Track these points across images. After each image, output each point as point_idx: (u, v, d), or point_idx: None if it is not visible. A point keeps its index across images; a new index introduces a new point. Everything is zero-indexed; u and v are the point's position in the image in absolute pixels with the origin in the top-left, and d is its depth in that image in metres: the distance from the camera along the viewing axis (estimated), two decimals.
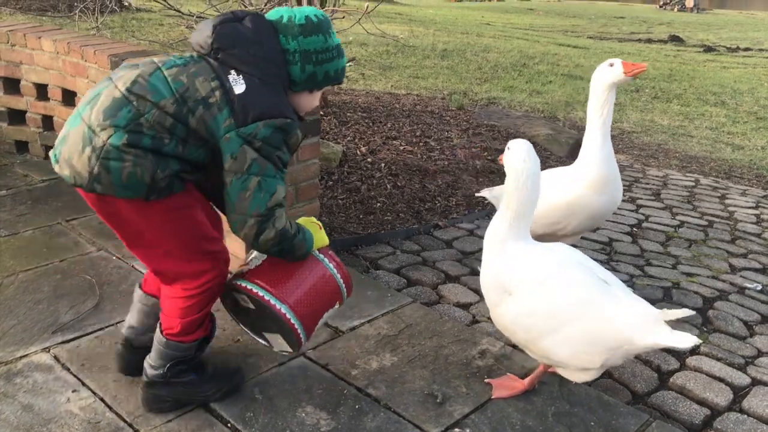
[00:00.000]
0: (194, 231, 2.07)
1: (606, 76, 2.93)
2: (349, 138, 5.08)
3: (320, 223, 2.30)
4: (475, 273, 3.39)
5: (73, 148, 1.91)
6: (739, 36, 20.51)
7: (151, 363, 2.21)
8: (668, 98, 8.90)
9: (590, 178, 2.99)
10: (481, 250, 3.65)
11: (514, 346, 2.74)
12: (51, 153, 2.01)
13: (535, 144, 5.71)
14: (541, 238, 3.09)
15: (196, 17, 5.57)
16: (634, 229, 4.23)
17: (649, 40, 17.81)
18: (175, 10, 5.70)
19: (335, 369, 2.47)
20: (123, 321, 2.41)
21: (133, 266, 3.09)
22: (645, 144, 6.46)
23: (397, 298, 3.01)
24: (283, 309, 2.09)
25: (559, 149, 5.67)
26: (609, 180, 3.01)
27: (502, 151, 5.40)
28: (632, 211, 4.55)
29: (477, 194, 3.56)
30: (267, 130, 1.92)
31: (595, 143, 2.98)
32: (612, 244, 3.94)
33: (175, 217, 2.02)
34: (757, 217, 4.62)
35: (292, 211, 3.14)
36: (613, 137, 6.60)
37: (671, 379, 2.66)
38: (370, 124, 5.51)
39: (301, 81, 2.05)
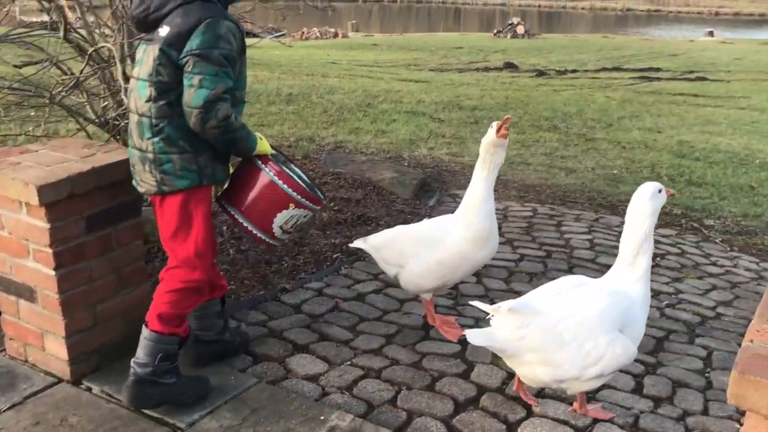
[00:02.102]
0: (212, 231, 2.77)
1: (487, 137, 3.14)
2: None
3: (261, 135, 2.77)
4: (324, 338, 3.31)
5: None
6: (566, 59, 22.13)
7: (140, 362, 2.65)
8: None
9: (473, 236, 3.17)
10: (331, 309, 3.58)
11: (365, 417, 2.68)
12: None
13: (380, 188, 5.77)
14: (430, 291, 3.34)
15: None
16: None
17: (486, 69, 18.81)
18: None
19: None
20: None
21: None
22: None
23: (241, 380, 2.87)
24: (238, 216, 2.74)
25: (404, 192, 5.75)
26: (491, 235, 3.21)
27: (348, 200, 5.43)
28: None
29: (351, 245, 3.57)
30: (197, 38, 2.48)
31: (479, 197, 3.15)
32: (457, 287, 4.00)
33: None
34: (590, 242, 4.89)
35: (117, 300, 2.93)
36: (455, 172, 6.82)
37: (519, 429, 2.69)
38: None
39: None
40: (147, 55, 2.58)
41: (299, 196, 2.72)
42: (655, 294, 4.07)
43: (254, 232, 2.75)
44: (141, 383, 2.64)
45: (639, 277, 2.68)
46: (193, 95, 2.46)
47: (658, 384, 3.04)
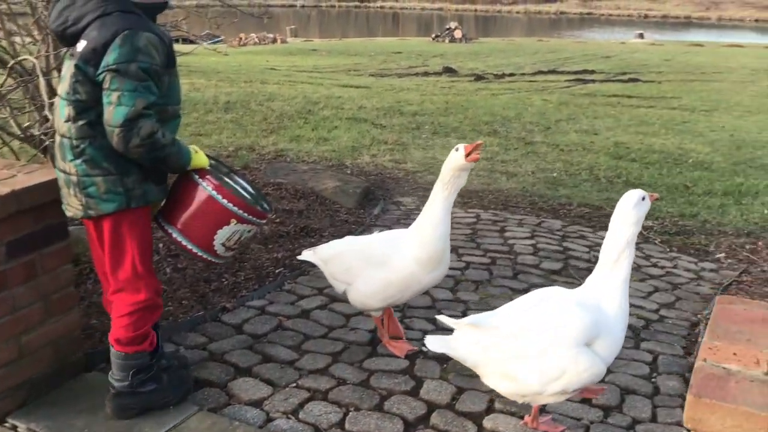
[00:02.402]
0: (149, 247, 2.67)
1: (452, 161, 3.01)
2: None
3: (197, 147, 2.65)
4: (268, 359, 3.19)
5: None
6: (504, 62, 22.44)
7: (115, 377, 2.68)
8: (446, 132, 9.36)
9: (426, 256, 3.09)
10: (275, 328, 3.47)
11: None
12: None
13: (323, 198, 5.67)
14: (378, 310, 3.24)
15: None
16: None
17: (426, 73, 18.88)
18: None
19: None
20: None
21: None
22: (428, 183, 6.67)
23: (181, 408, 2.73)
24: (176, 235, 2.64)
25: (347, 201, 5.66)
26: (443, 257, 3.12)
27: (290, 212, 5.30)
28: None
29: (299, 257, 3.44)
30: (113, 52, 2.36)
31: (436, 218, 3.06)
32: None
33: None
34: (534, 247, 4.90)
35: (46, 328, 2.75)
36: (398, 179, 6.77)
37: None
38: None
39: None
40: (67, 71, 2.47)
41: (241, 211, 2.61)
42: None
43: (194, 251, 2.65)
44: (120, 396, 2.68)
45: (617, 286, 2.59)
46: (112, 113, 2.34)
47: (607, 392, 3.03)
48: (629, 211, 2.61)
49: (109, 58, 2.35)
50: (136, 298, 2.60)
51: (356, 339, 3.42)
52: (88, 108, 2.43)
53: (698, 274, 4.61)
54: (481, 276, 4.34)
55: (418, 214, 5.53)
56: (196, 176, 2.60)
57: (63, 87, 2.49)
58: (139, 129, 2.34)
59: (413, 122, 9.97)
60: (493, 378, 2.54)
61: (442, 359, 3.24)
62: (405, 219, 5.44)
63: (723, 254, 5.03)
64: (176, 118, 2.64)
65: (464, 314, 3.77)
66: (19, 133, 4.35)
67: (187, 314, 3.59)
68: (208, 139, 8.11)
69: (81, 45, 2.41)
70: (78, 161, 2.45)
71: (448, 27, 32.67)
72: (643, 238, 5.30)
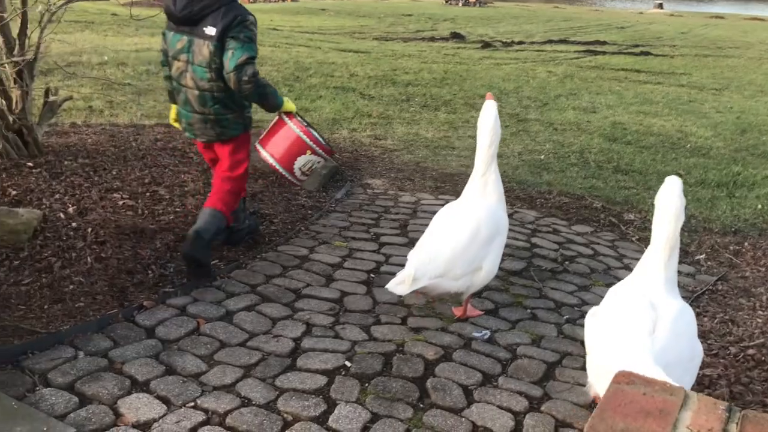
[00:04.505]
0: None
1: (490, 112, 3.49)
2: (57, 196, 4.37)
3: (288, 98, 3.82)
4: (171, 371, 2.90)
5: None
6: (514, 29, 21.80)
7: (200, 227, 3.65)
8: (436, 106, 8.96)
9: (503, 207, 3.61)
10: (190, 333, 3.17)
11: None
12: None
13: (283, 178, 5.32)
14: None
15: None
16: (371, 275, 3.96)
17: (432, 38, 18.34)
18: None
19: None
20: None
21: None
22: (404, 164, 6.32)
23: (56, 430, 2.44)
24: (268, 157, 3.82)
25: (311, 182, 5.27)
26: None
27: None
28: (374, 251, 4.29)
29: (392, 290, 3.28)
30: (233, 29, 3.50)
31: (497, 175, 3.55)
32: (343, 300, 3.63)
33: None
34: None
35: None
36: (373, 158, 6.41)
37: None
38: (91, 173, 4.81)
39: None
40: (198, 47, 3.57)
41: (315, 145, 3.78)
42: (557, 307, 3.77)
43: (280, 170, 3.82)
44: (198, 239, 3.62)
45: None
46: (228, 63, 3.48)
47: (539, 425, 2.72)
48: (676, 200, 2.62)
49: (231, 33, 3.50)
50: (238, 187, 3.89)
51: (276, 349, 3.11)
52: (222, 69, 3.54)
53: None
54: None
55: (385, 199, 5.22)
56: (286, 117, 3.79)
57: (199, 58, 3.57)
58: (246, 71, 3.46)
59: (404, 93, 9.57)
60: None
61: (365, 378, 2.94)
62: (368, 205, 5.10)
63: (704, 255, 4.66)
64: None
65: (403, 322, 3.46)
66: None
67: (99, 311, 3.30)
68: None
69: (210, 30, 3.51)
70: (216, 106, 3.66)
71: None
72: (621, 235, 4.94)
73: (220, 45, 3.50)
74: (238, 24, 3.50)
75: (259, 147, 3.86)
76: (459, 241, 3.29)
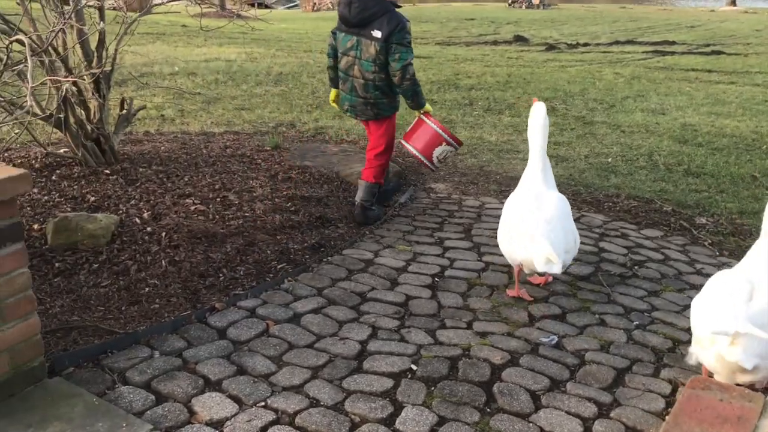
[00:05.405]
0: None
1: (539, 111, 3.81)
2: (133, 202, 4.55)
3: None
4: (242, 371, 2.98)
5: None
6: (579, 31, 21.40)
7: (363, 198, 4.70)
8: (500, 110, 8.89)
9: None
10: (260, 334, 3.23)
11: None
12: None
13: (347, 184, 5.40)
14: None
15: None
16: (436, 279, 3.97)
17: (495, 42, 18.18)
18: None
19: None
20: None
21: None
22: (468, 167, 6.31)
23: (134, 427, 2.55)
24: (412, 149, 4.81)
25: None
26: None
27: (307, 199, 5.04)
28: (438, 255, 4.29)
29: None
30: (397, 34, 4.39)
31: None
32: (408, 304, 3.65)
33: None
34: None
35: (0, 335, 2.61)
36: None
37: None
38: (164, 180, 4.99)
39: None
40: (365, 46, 4.46)
41: (449, 137, 4.71)
42: (626, 312, 3.69)
43: (421, 158, 4.77)
44: (365, 209, 4.69)
45: None
46: (396, 63, 4.42)
47: (609, 431, 2.68)
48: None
49: (395, 37, 4.37)
50: (384, 160, 4.80)
51: (343, 351, 3.16)
52: (384, 65, 4.47)
53: None
54: (498, 280, 3.99)
55: (449, 203, 5.21)
56: (424, 117, 4.77)
57: (366, 55, 4.47)
58: (408, 70, 4.44)
59: (467, 97, 9.54)
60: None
61: (431, 381, 2.96)
62: (432, 209, 5.12)
63: None
64: None
65: (469, 327, 3.46)
66: (39, 112, 4.27)
67: (173, 313, 3.42)
68: (250, 113, 7.96)
69: (377, 33, 4.37)
70: (377, 92, 4.58)
71: None
72: (692, 239, 4.80)
73: (384, 45, 4.37)
74: (400, 30, 4.35)
75: (403, 142, 4.83)
76: (567, 215, 3.73)
